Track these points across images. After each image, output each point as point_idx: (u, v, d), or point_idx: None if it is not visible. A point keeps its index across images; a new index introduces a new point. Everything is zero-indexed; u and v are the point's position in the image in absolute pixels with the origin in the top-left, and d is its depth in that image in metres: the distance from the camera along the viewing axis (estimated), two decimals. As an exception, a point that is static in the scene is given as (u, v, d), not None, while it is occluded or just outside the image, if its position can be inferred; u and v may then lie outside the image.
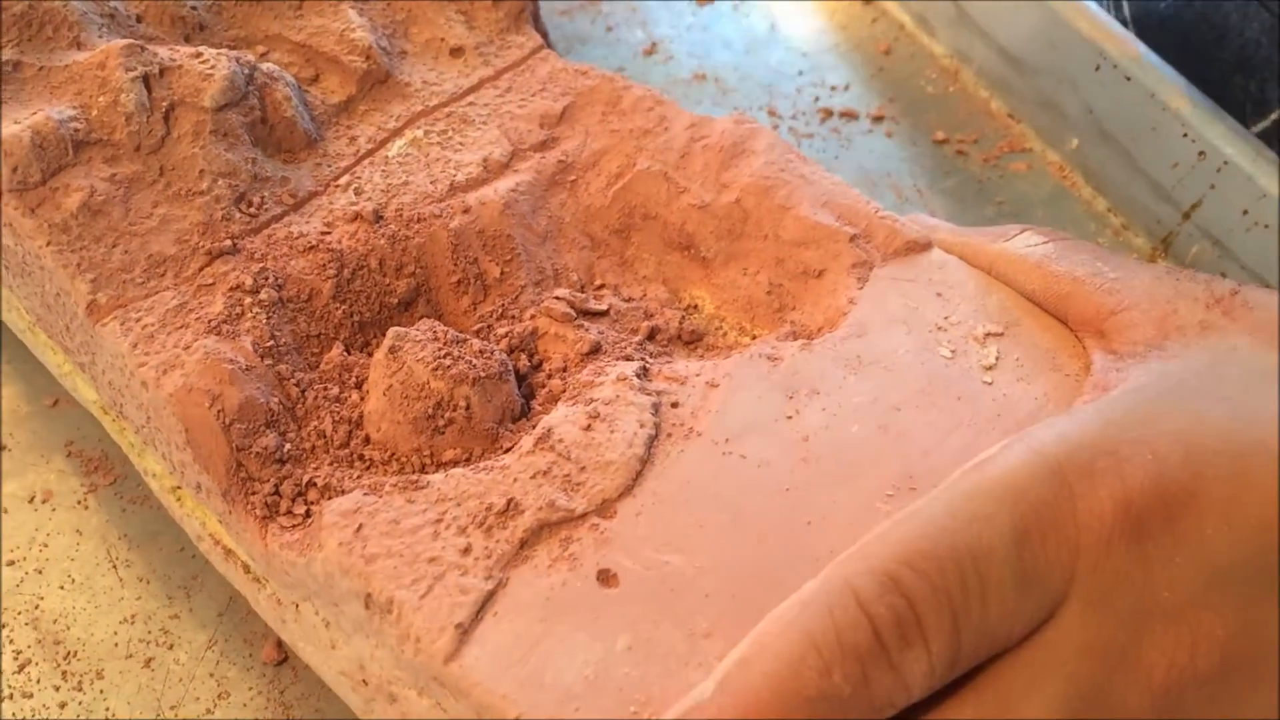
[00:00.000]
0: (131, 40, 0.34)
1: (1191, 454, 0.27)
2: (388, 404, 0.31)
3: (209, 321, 0.32)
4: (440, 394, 0.31)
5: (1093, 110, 0.49)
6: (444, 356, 0.31)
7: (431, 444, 0.31)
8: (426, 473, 0.31)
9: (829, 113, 0.52)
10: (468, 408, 0.31)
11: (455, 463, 0.31)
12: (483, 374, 0.32)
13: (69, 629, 0.36)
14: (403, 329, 0.32)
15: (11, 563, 0.37)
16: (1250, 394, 0.30)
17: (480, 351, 0.32)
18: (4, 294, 0.37)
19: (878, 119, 0.52)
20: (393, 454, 0.31)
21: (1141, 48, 0.48)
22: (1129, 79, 0.48)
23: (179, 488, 0.34)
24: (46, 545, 0.37)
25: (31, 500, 0.38)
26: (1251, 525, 0.27)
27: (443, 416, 0.31)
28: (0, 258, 0.35)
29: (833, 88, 0.53)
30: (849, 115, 0.52)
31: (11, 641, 0.35)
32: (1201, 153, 0.46)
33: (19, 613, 0.36)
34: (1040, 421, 0.30)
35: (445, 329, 0.32)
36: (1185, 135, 0.46)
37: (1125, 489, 0.27)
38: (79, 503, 0.38)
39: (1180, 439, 0.28)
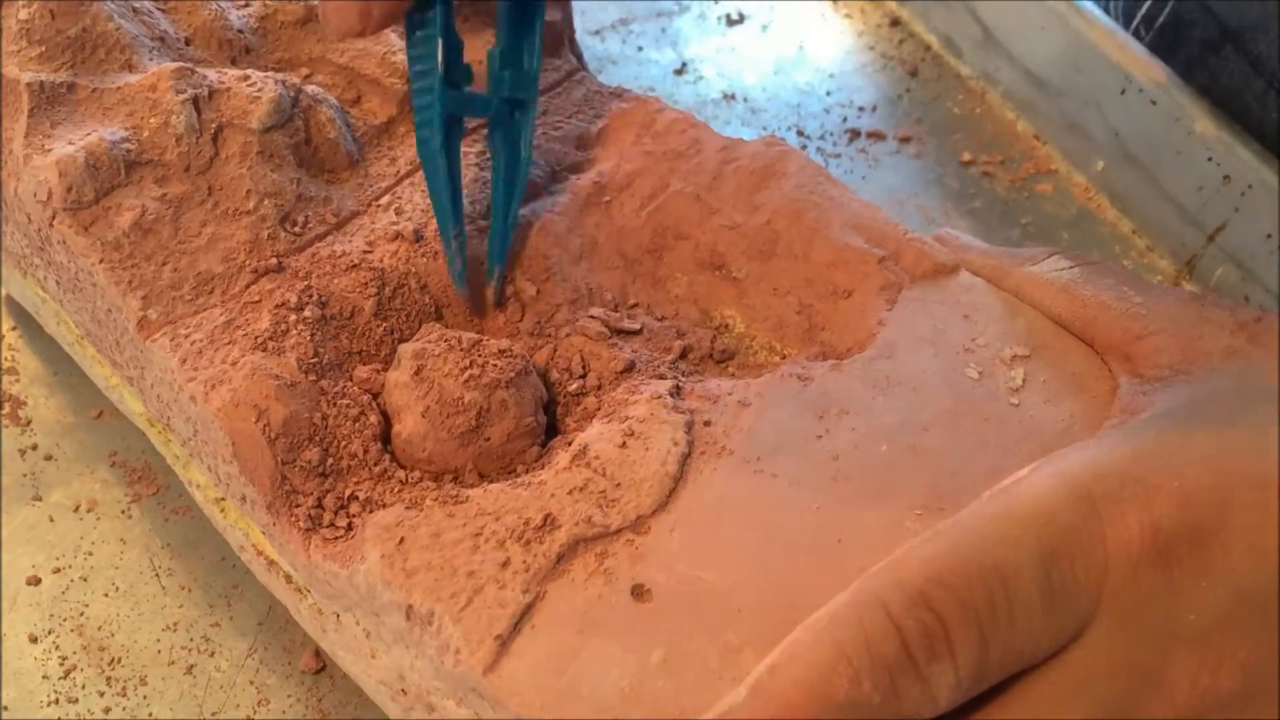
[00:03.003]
0: (182, 63, 0.35)
1: (1218, 483, 0.28)
2: (429, 425, 0.32)
3: (255, 338, 0.33)
4: (479, 404, 0.32)
5: (1118, 133, 0.50)
6: (470, 366, 0.32)
7: (481, 450, 0.32)
8: (467, 485, 0.32)
9: (856, 133, 0.53)
10: (506, 409, 0.32)
11: (506, 470, 0.32)
12: (511, 374, 0.32)
13: (113, 635, 0.36)
14: (415, 345, 0.33)
15: (57, 570, 0.38)
16: (1275, 421, 0.30)
17: (500, 352, 0.33)
18: (52, 309, 0.39)
19: (905, 140, 0.53)
20: (440, 474, 0.32)
21: (1166, 72, 0.48)
22: (1154, 103, 0.48)
23: (223, 499, 0.35)
24: (91, 553, 0.38)
25: (77, 509, 0.39)
26: (1276, 552, 0.27)
27: (487, 424, 0.32)
28: (50, 273, 0.36)
29: (860, 109, 0.54)
30: (876, 136, 0.53)
31: (57, 647, 0.36)
32: (1226, 176, 0.46)
33: (65, 619, 0.37)
34: (1067, 443, 0.31)
35: (455, 334, 0.33)
36: (1210, 159, 0.47)
37: (1154, 516, 0.27)
38: (123, 512, 0.39)
39: (1208, 467, 0.28)
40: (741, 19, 0.58)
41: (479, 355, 0.32)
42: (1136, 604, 0.27)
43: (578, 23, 0.56)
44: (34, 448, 0.40)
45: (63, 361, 0.42)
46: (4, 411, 0.41)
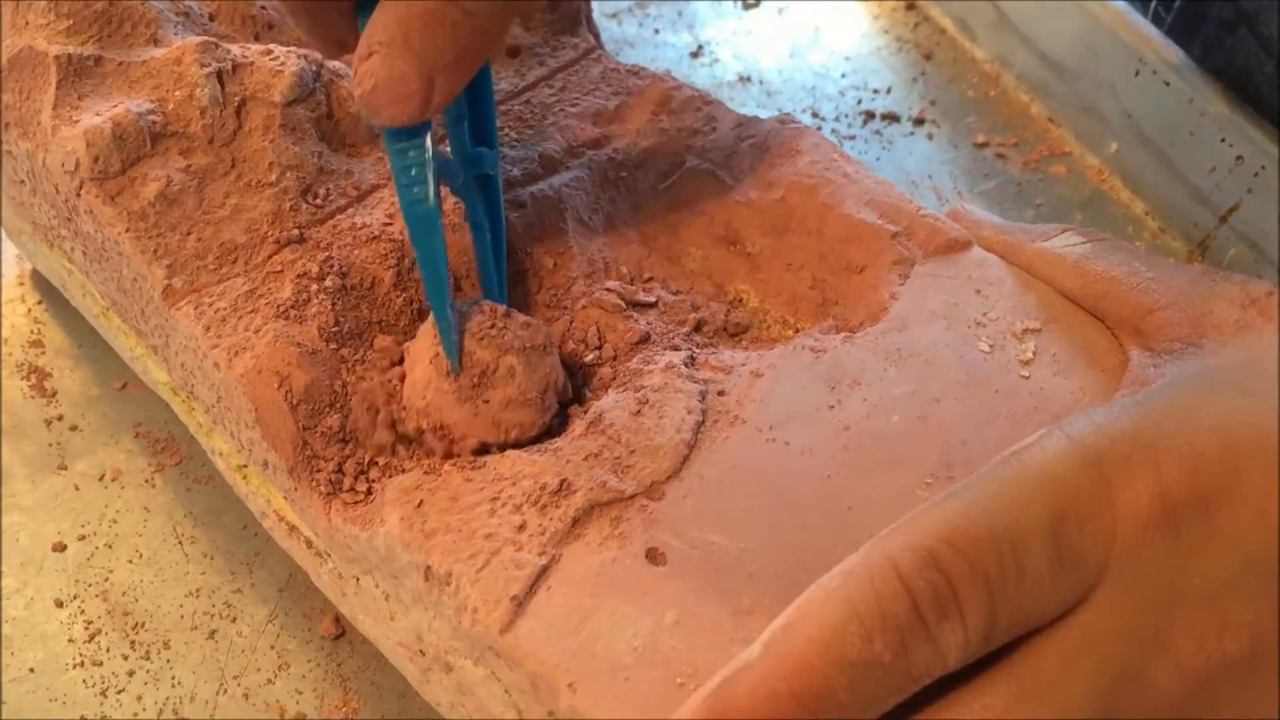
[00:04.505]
0: (206, 38, 0.36)
1: (1228, 449, 0.28)
2: (434, 371, 0.32)
3: (278, 307, 0.33)
4: (485, 362, 0.32)
5: (1131, 115, 0.50)
6: (490, 327, 0.32)
7: (477, 411, 0.32)
8: (456, 451, 0.32)
9: (871, 115, 0.53)
10: (512, 375, 0.32)
11: (500, 442, 0.32)
12: (528, 344, 0.32)
13: (137, 601, 0.37)
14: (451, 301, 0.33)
15: (82, 537, 0.38)
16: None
17: (525, 324, 0.33)
18: (78, 280, 0.39)
19: (919, 122, 0.53)
20: (437, 426, 0.32)
21: (1179, 54, 0.49)
22: (1167, 84, 0.48)
23: (245, 466, 0.36)
24: (116, 521, 0.39)
25: (101, 478, 0.40)
26: None
27: (488, 384, 0.32)
28: (77, 244, 0.37)
29: (875, 91, 0.55)
30: (891, 118, 0.53)
31: (83, 612, 0.37)
32: (1239, 157, 0.47)
33: (90, 585, 0.37)
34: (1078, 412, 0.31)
35: (492, 304, 0.33)
36: (1223, 139, 0.47)
37: (1162, 481, 0.28)
38: (147, 481, 0.40)
39: (1217, 434, 0.29)
40: (757, 2, 0.58)
41: (504, 321, 0.33)
42: (1143, 568, 0.28)
43: (595, 5, 0.57)
44: (60, 418, 0.41)
45: (88, 334, 0.43)
46: (31, 383, 0.42)
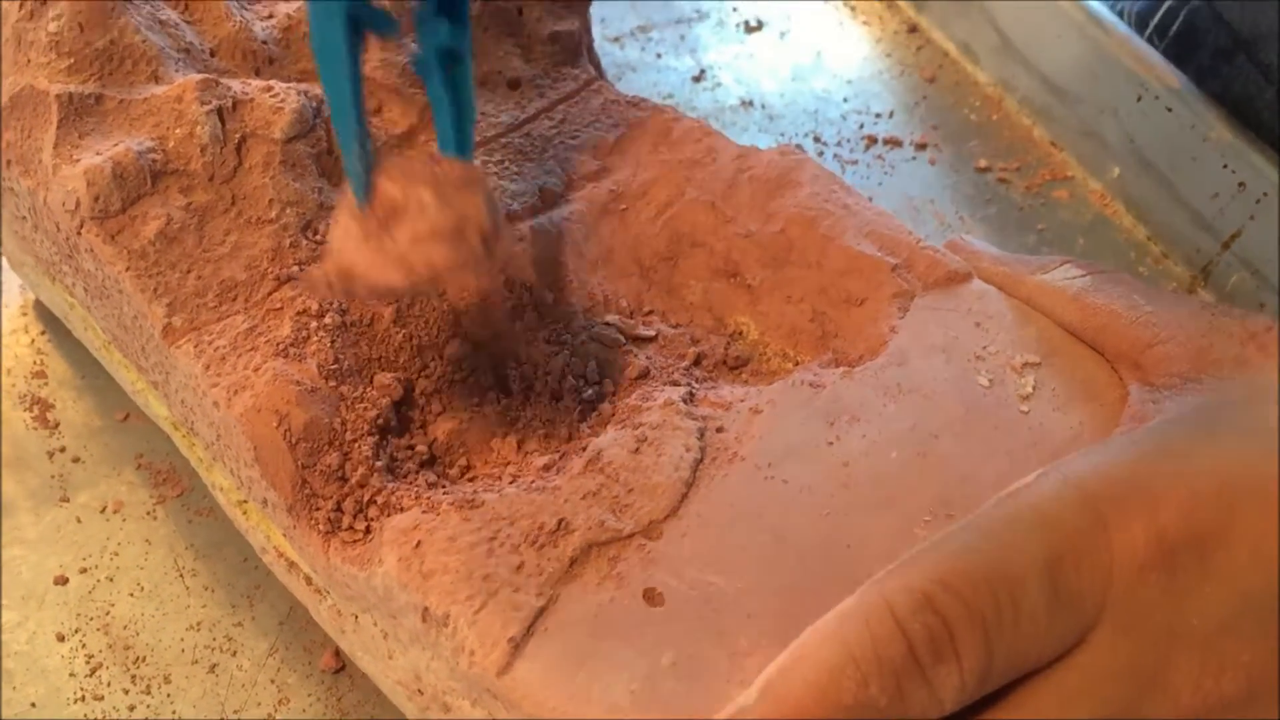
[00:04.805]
0: (207, 75, 0.36)
1: (1224, 491, 0.28)
2: (346, 215, 0.30)
3: (277, 344, 0.33)
4: (394, 197, 0.30)
5: (1134, 140, 0.50)
6: (407, 164, 0.30)
7: (380, 249, 0.29)
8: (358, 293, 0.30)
9: (873, 140, 0.53)
10: (422, 210, 0.30)
11: (410, 284, 0.30)
12: (445, 178, 0.30)
13: (138, 634, 0.37)
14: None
15: (84, 570, 0.39)
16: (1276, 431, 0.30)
17: (451, 162, 0.31)
18: (80, 314, 0.39)
19: (921, 146, 0.53)
20: (343, 272, 0.30)
21: (1182, 79, 0.48)
22: (1169, 110, 0.48)
23: (245, 502, 0.36)
24: (117, 554, 0.39)
25: (103, 510, 0.40)
26: (1279, 557, 0.28)
27: (395, 220, 0.29)
28: (78, 280, 0.37)
29: (877, 115, 0.55)
30: (893, 142, 0.53)
31: (84, 646, 0.37)
32: (1241, 183, 0.46)
33: (91, 618, 0.38)
34: (1076, 450, 0.31)
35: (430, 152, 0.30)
36: (1225, 166, 0.47)
37: (1158, 522, 0.28)
38: (148, 513, 0.40)
39: (1214, 476, 0.29)
40: (760, 26, 0.58)
41: (426, 161, 0.30)
42: (1141, 609, 0.28)
43: (596, 30, 0.57)
44: (62, 450, 0.41)
45: (90, 365, 0.43)
46: (34, 414, 0.42)
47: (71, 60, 0.35)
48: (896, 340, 0.36)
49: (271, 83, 0.37)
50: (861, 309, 0.38)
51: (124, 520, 0.40)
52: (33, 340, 0.44)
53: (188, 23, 0.38)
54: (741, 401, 0.34)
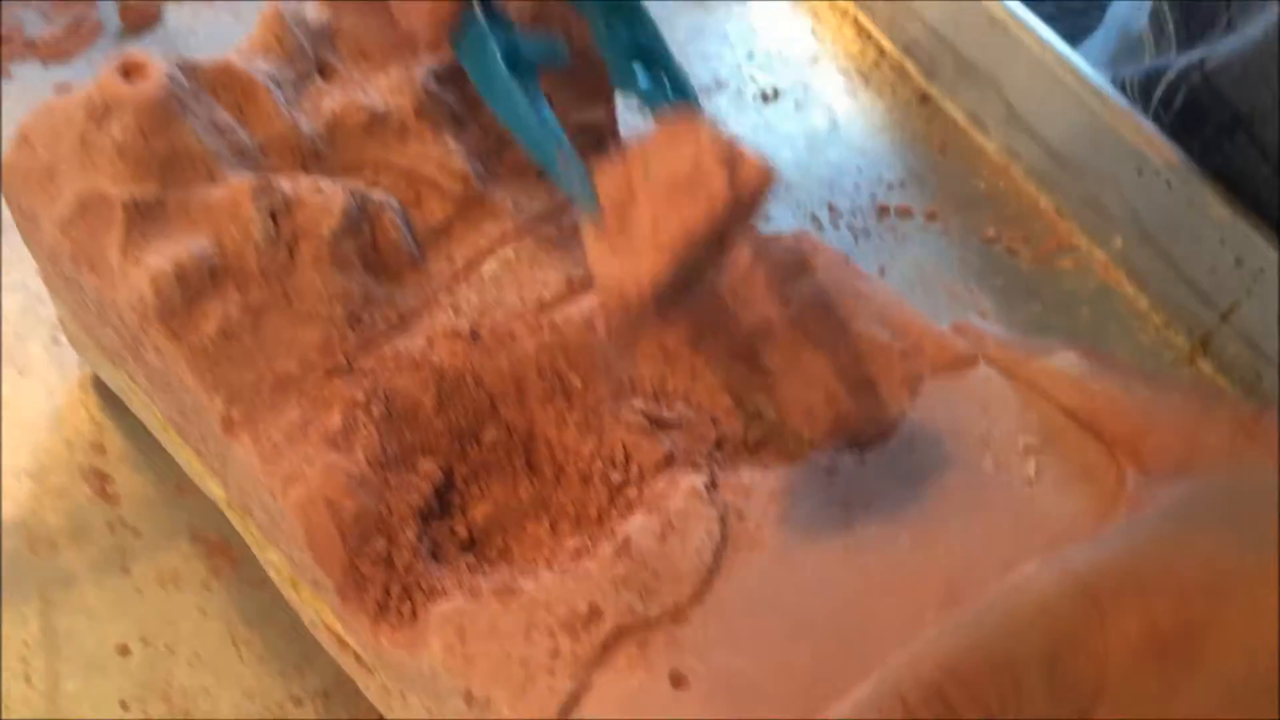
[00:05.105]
0: (260, 178, 0.39)
1: (1213, 583, 0.30)
2: (592, 241, 0.29)
3: (328, 435, 0.36)
4: (614, 187, 0.30)
5: (1136, 212, 0.52)
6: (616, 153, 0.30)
7: (636, 254, 0.29)
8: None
9: (886, 210, 0.56)
10: (645, 178, 0.29)
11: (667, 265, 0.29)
12: (650, 143, 0.29)
13: (197, 703, 0.40)
14: None
15: (144, 640, 0.41)
16: (1268, 523, 0.33)
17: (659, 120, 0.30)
18: (140, 396, 0.42)
19: (931, 216, 0.56)
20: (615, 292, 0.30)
21: (1181, 155, 0.51)
22: (1169, 185, 0.50)
23: (297, 580, 0.38)
24: (175, 624, 0.41)
25: (161, 581, 0.43)
26: (1268, 651, 0.30)
27: (633, 209, 0.29)
28: (140, 369, 0.40)
29: (889, 185, 0.57)
30: (904, 212, 0.56)
31: (146, 713, 0.40)
32: (1238, 259, 0.49)
33: (152, 687, 0.40)
34: (1077, 534, 0.34)
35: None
36: (1223, 242, 0.49)
37: (1152, 614, 0.30)
38: (203, 584, 0.43)
39: (1203, 569, 0.31)
40: (776, 95, 0.61)
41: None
42: (1135, 697, 0.30)
43: (620, 101, 0.60)
44: (122, 522, 0.44)
45: (146, 438, 0.45)
46: (94, 487, 0.45)
47: (135, 165, 0.38)
48: (906, 425, 0.39)
49: (320, 182, 0.39)
50: (874, 392, 0.40)
51: (181, 591, 0.42)
52: (92, 414, 0.47)
53: (240, 123, 0.41)
54: (760, 487, 0.37)
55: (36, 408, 0.47)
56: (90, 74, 0.59)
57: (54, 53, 0.59)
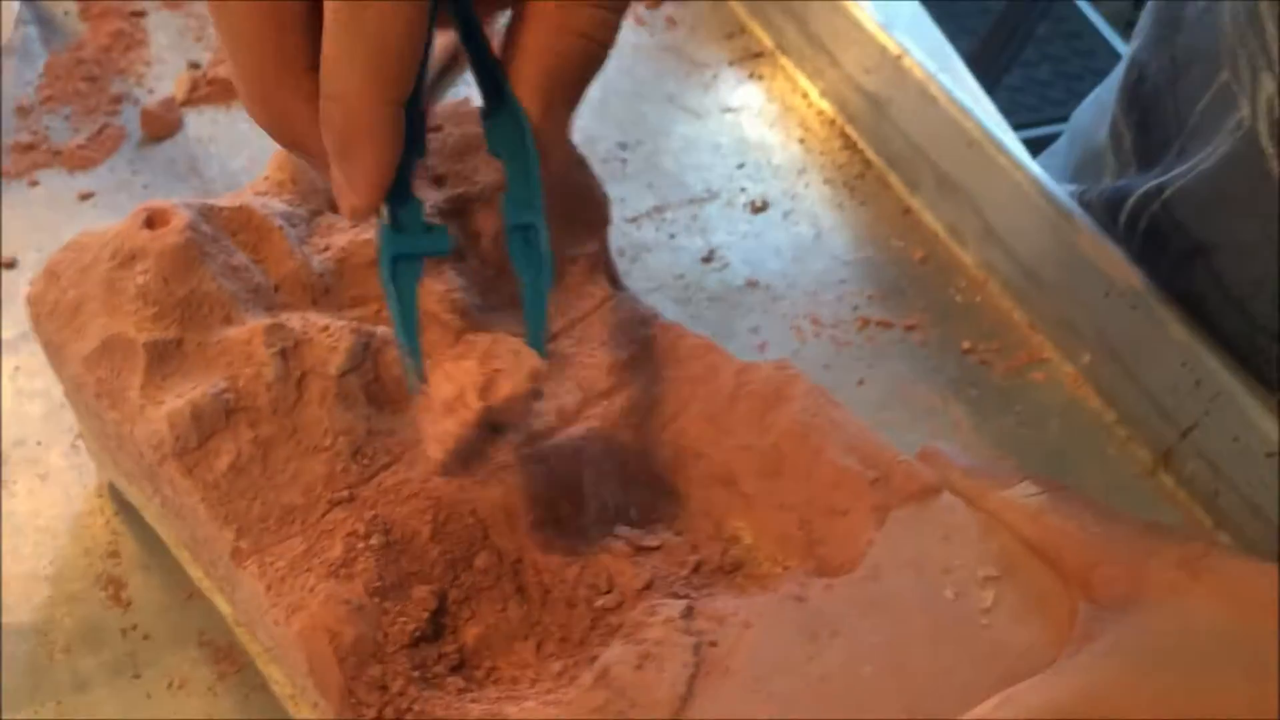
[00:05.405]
0: (272, 320, 0.41)
1: None
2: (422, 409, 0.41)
3: (329, 565, 0.39)
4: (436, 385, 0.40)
5: (1103, 330, 0.55)
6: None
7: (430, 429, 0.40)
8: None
9: (866, 322, 0.59)
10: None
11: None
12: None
13: (204, 806, 0.42)
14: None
15: (156, 745, 0.44)
16: (1204, 662, 0.35)
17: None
18: (154, 513, 0.45)
19: (910, 328, 0.58)
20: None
21: (1144, 280, 0.53)
22: (1134, 308, 0.53)
23: (297, 697, 0.41)
24: (184, 729, 0.44)
25: (170, 686, 0.45)
26: None
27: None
28: (155, 496, 0.42)
29: (870, 296, 0.60)
30: (884, 324, 0.58)
31: (155, 817, 0.42)
32: (1198, 381, 0.51)
33: (162, 791, 0.43)
34: (1031, 663, 0.37)
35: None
36: (1183, 364, 0.52)
37: None
38: (209, 689, 0.45)
39: (1143, 708, 0.34)
40: (765, 206, 0.64)
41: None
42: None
43: (617, 211, 0.62)
44: (134, 627, 0.47)
45: (158, 545, 0.48)
46: (109, 593, 0.47)
47: (156, 309, 0.41)
48: (873, 553, 0.41)
49: (329, 322, 0.42)
50: (844, 520, 0.43)
51: (189, 696, 0.45)
52: (107, 520, 0.49)
53: (256, 263, 0.44)
54: (734, 615, 0.39)
55: (56, 513, 0.50)
56: (113, 181, 0.63)
57: (79, 162, 0.62)
